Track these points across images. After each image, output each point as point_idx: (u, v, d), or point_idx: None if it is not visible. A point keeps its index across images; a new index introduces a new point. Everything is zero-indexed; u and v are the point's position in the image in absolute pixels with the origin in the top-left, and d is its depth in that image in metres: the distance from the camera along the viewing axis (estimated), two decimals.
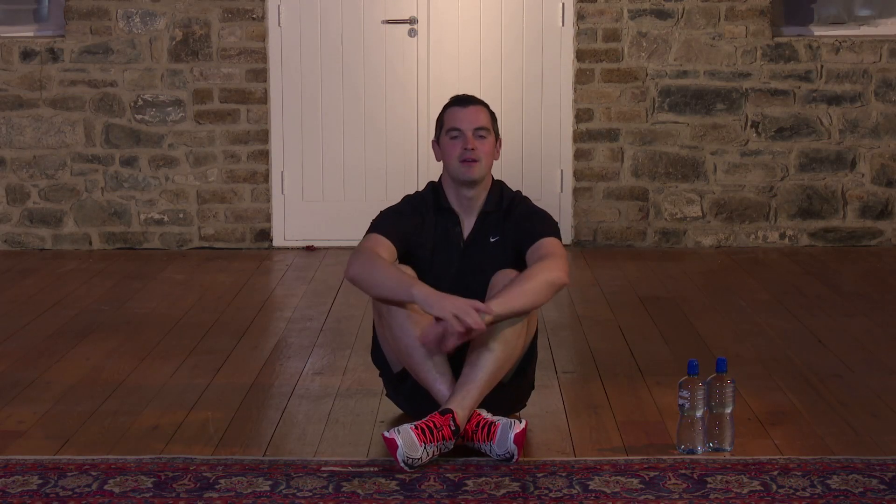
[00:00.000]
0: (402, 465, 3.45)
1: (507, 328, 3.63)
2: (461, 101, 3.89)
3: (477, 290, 3.74)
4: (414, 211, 3.91)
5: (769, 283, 5.99)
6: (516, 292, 3.62)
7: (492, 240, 3.86)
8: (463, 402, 3.55)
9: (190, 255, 6.81)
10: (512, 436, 3.49)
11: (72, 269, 6.42)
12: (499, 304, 3.59)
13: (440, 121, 3.91)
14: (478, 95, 4.03)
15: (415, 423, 3.50)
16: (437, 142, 3.92)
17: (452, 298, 3.56)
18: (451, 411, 3.51)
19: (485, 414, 3.60)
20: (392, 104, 6.89)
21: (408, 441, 3.45)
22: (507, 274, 3.73)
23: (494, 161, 3.91)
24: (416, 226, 3.88)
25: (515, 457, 3.50)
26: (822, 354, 4.72)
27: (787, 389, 4.26)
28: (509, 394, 3.84)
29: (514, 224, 3.87)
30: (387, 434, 3.48)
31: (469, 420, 3.56)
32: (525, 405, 3.99)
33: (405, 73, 6.86)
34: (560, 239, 3.87)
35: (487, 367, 3.60)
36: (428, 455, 3.49)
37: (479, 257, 3.87)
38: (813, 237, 6.91)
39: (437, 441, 3.48)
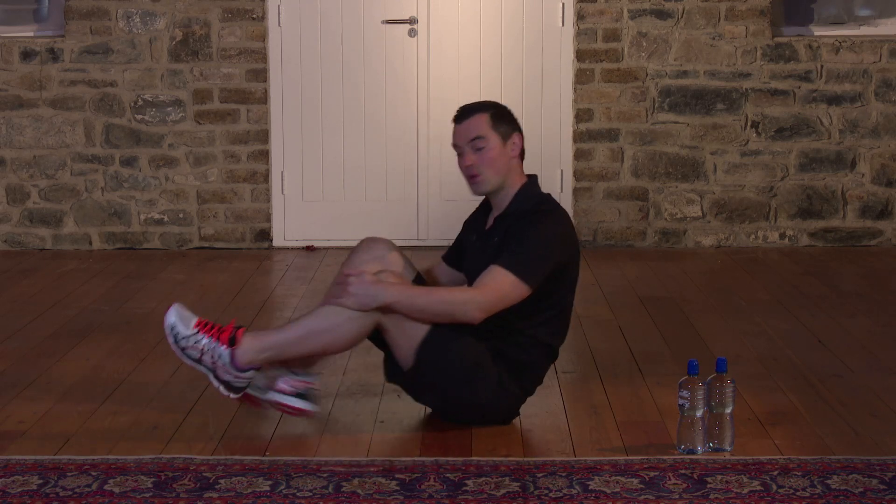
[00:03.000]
0: (168, 335, 3.73)
1: (341, 312, 3.69)
2: (456, 117, 3.91)
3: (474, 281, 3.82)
4: (480, 206, 4.07)
5: (769, 283, 5.99)
6: (417, 293, 3.70)
7: (495, 240, 3.87)
8: (257, 336, 3.76)
9: (190, 255, 6.81)
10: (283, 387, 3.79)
11: (72, 269, 6.42)
12: (397, 290, 3.68)
13: None
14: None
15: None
16: None
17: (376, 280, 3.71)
18: (242, 328, 3.75)
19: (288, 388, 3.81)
20: (392, 104, 6.89)
21: (184, 315, 3.76)
22: (488, 271, 3.71)
23: (515, 157, 3.88)
24: (474, 217, 4.07)
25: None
26: (822, 354, 4.72)
27: (787, 389, 4.26)
28: (453, 404, 3.82)
29: (507, 232, 3.82)
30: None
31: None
32: (487, 423, 3.86)
33: (405, 73, 6.87)
34: (521, 276, 3.68)
35: (296, 328, 3.76)
36: (193, 344, 3.71)
37: (482, 253, 3.89)
38: (813, 237, 6.91)
39: (212, 335, 3.72)
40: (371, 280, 3.68)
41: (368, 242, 3.96)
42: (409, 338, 3.72)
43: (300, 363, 3.86)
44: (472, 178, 3.84)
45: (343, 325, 3.71)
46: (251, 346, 3.74)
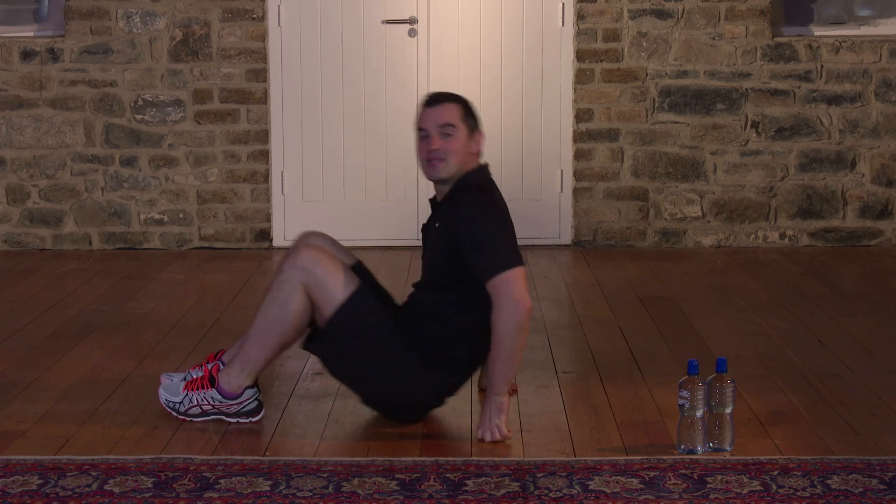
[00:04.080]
0: (170, 412, 3.96)
1: (273, 301, 3.81)
2: (428, 101, 3.94)
3: (426, 271, 3.97)
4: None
5: (769, 283, 5.99)
6: (503, 370, 3.75)
7: (436, 225, 3.93)
8: (230, 363, 3.92)
9: (190, 255, 6.81)
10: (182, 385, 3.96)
11: (72, 269, 6.42)
12: (499, 389, 3.77)
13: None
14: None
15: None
16: None
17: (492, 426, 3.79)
18: (216, 364, 3.96)
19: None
20: (392, 104, 6.89)
21: (171, 386, 3.98)
22: (491, 288, 3.72)
23: (474, 153, 3.92)
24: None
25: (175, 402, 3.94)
26: (822, 354, 4.72)
27: (787, 389, 4.26)
28: (360, 377, 3.90)
29: (448, 217, 3.84)
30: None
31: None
32: (394, 414, 3.92)
33: (405, 73, 6.86)
34: (508, 264, 3.71)
35: (252, 337, 3.89)
36: (189, 405, 3.92)
37: (428, 241, 4.00)
38: (813, 237, 6.91)
39: (198, 388, 3.90)
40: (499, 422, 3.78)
41: (311, 238, 4.08)
42: (328, 300, 3.79)
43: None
44: (434, 161, 3.86)
45: (280, 311, 3.81)
46: (228, 374, 3.91)
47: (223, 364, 3.97)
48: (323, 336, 3.86)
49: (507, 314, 3.67)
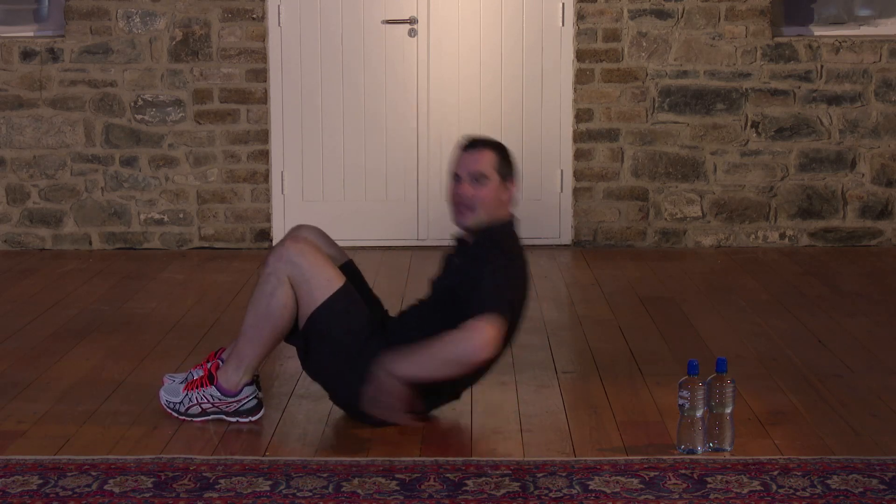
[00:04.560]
0: (171, 413, 3.96)
1: (261, 296, 3.83)
2: (466, 146, 3.91)
3: (434, 294, 3.94)
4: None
5: (769, 283, 5.99)
6: (414, 353, 3.64)
7: (455, 261, 3.92)
8: (227, 360, 3.93)
9: (190, 255, 6.81)
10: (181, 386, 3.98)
11: (72, 269, 6.42)
12: (399, 365, 3.63)
13: None
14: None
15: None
16: None
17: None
18: (215, 363, 3.97)
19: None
20: (392, 104, 6.89)
21: (172, 388, 3.98)
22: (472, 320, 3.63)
23: (505, 202, 3.87)
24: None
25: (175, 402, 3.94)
26: (822, 354, 4.72)
27: (787, 389, 4.26)
28: (333, 380, 3.89)
29: (468, 272, 3.77)
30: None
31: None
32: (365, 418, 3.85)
33: (405, 73, 6.86)
34: (499, 311, 3.61)
35: (245, 333, 3.88)
36: (189, 404, 3.93)
37: (445, 271, 3.97)
38: (813, 237, 6.91)
39: (197, 387, 3.91)
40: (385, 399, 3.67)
41: (300, 230, 4.09)
42: (311, 294, 3.79)
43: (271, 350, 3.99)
44: (463, 208, 3.84)
45: (267, 305, 3.82)
46: (226, 372, 3.91)
47: (222, 362, 3.98)
48: (303, 331, 3.85)
49: (465, 340, 3.55)
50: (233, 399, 3.90)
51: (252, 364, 3.91)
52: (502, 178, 3.86)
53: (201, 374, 3.99)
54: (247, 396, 3.92)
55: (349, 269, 4.04)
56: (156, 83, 6.82)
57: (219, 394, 3.90)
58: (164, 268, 6.44)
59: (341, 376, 3.84)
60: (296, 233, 4.06)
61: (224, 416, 3.93)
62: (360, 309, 3.86)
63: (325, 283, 3.80)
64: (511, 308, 3.72)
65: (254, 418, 3.94)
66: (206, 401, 3.91)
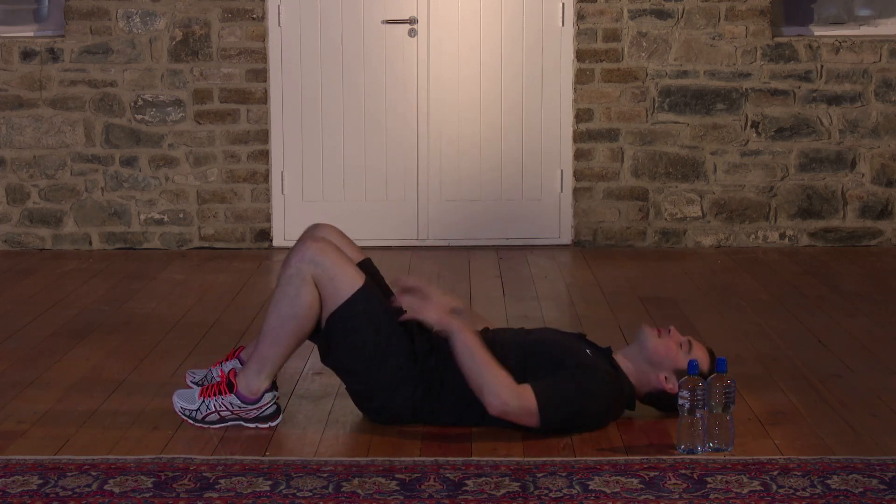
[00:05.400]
0: (187, 420, 3.86)
1: (283, 296, 3.79)
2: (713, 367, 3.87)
3: (519, 340, 3.97)
4: None
5: (769, 283, 5.99)
6: (476, 351, 3.70)
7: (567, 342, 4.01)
8: (246, 365, 3.88)
9: (190, 255, 6.81)
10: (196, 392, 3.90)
11: (72, 269, 6.42)
12: (464, 336, 3.73)
13: None
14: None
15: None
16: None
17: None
18: (233, 368, 3.93)
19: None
20: (392, 104, 6.89)
21: (186, 395, 3.89)
22: (527, 386, 3.72)
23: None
24: None
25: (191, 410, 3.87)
26: (822, 354, 4.72)
27: (787, 389, 4.26)
28: (353, 374, 3.89)
29: (584, 355, 3.89)
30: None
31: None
32: (379, 417, 3.91)
33: (405, 73, 6.86)
34: (541, 410, 3.69)
35: (265, 335, 3.85)
36: (206, 412, 3.85)
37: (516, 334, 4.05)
38: (813, 237, 6.91)
39: (215, 394, 3.84)
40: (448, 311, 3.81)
41: (318, 230, 4.08)
42: (335, 293, 3.78)
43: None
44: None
45: (291, 305, 3.79)
46: (246, 377, 3.85)
47: (241, 362, 3.94)
48: (325, 329, 3.83)
49: (504, 387, 3.66)
50: (253, 406, 3.85)
51: (274, 367, 3.86)
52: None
53: (219, 378, 3.95)
54: (267, 403, 3.86)
55: (367, 266, 4.03)
56: (156, 83, 6.82)
57: (238, 401, 3.84)
58: (164, 268, 6.44)
59: (363, 372, 3.83)
60: (314, 232, 4.04)
61: (243, 423, 3.88)
62: (382, 306, 3.85)
63: (349, 281, 3.79)
64: (554, 412, 3.70)
65: (273, 423, 3.89)
66: (224, 408, 3.85)
